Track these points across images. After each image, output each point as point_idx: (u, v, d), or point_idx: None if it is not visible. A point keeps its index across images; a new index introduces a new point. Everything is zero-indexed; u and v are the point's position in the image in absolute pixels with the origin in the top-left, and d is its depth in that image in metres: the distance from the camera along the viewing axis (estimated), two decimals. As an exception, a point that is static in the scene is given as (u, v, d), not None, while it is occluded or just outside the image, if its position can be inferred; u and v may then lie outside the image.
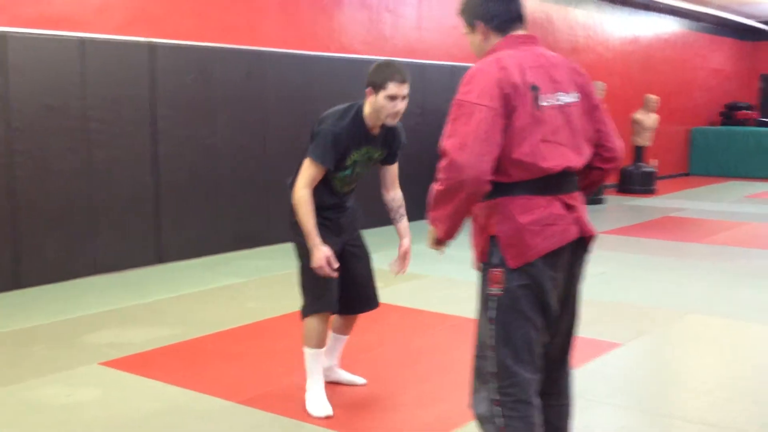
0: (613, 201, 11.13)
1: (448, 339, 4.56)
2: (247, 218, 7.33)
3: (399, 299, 5.40)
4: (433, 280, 5.97)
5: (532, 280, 2.31)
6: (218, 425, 3.34)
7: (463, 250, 7.79)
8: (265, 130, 7.41)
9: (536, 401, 2.36)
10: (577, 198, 2.42)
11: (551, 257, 2.31)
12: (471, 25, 2.48)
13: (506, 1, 2.44)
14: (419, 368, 4.03)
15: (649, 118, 12.24)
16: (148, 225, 6.54)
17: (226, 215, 7.13)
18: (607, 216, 9.83)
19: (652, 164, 12.62)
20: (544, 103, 2.32)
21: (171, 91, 6.61)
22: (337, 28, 8.36)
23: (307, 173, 3.34)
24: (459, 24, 2.56)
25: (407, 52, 9.10)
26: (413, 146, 8.97)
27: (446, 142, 2.28)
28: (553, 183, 2.34)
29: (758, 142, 14.84)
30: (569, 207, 2.36)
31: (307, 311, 3.41)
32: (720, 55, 16.44)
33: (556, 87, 2.37)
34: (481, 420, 2.38)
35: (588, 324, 3.73)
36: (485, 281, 2.37)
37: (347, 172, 3.42)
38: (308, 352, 3.44)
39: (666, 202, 11.15)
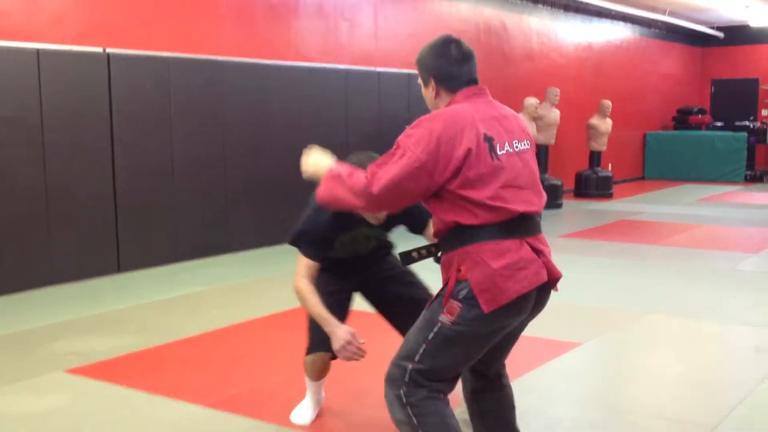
0: (571, 205, 11.31)
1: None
2: (207, 227, 7.31)
3: (364, 305, 5.43)
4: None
5: (491, 325, 2.37)
6: (187, 429, 3.33)
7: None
8: (223, 138, 7.40)
9: (447, 394, 2.48)
10: (543, 240, 2.50)
11: (520, 301, 2.37)
12: (425, 81, 2.55)
13: (460, 64, 2.50)
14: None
15: (604, 123, 12.46)
16: (107, 234, 6.49)
17: (186, 224, 7.11)
18: (565, 220, 9.99)
19: (608, 168, 12.84)
20: (501, 152, 2.41)
21: (128, 101, 6.58)
22: (294, 36, 8.39)
23: (302, 264, 3.11)
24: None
25: (364, 60, 9.17)
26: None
27: (376, 169, 2.38)
28: (520, 226, 2.41)
29: (710, 145, 15.17)
30: (537, 251, 2.42)
31: (307, 351, 3.36)
32: (672, 60, 16.80)
33: (511, 136, 2.47)
34: (401, 425, 2.44)
35: (546, 325, 3.82)
36: (440, 306, 2.41)
37: (343, 254, 3.28)
38: (307, 380, 3.46)
39: (622, 205, 11.35)
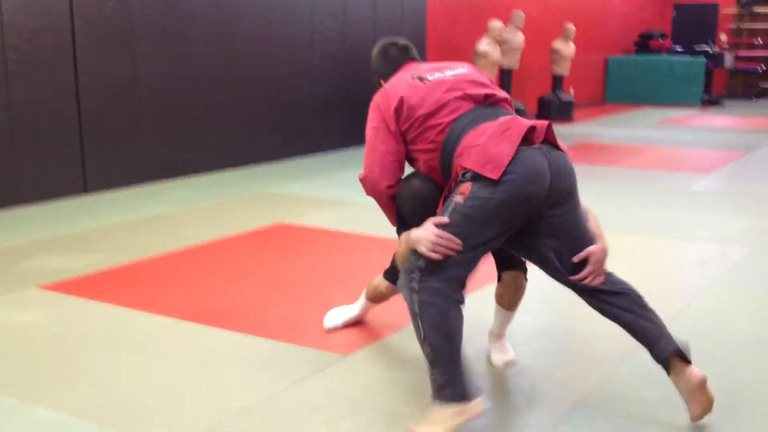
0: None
1: (378, 258, 4.76)
2: (174, 148, 7.34)
3: (331, 223, 5.58)
4: (358, 205, 6.16)
5: (506, 193, 2.42)
6: (161, 339, 3.48)
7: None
8: (188, 58, 7.36)
9: (460, 291, 2.50)
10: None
11: (525, 161, 2.45)
12: (378, 82, 3.06)
13: (396, 59, 3.02)
14: (351, 287, 4.23)
15: (567, 48, 12.53)
16: (73, 155, 6.49)
17: (153, 145, 7.12)
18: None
19: (569, 92, 12.98)
20: (432, 77, 2.79)
21: (91, 20, 6.49)
22: (259, -45, 8.27)
23: None
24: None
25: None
26: (335, 75, 9.05)
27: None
28: (488, 112, 2.67)
29: (670, 70, 15.36)
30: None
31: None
32: (635, -16, 16.80)
33: (442, 68, 2.85)
34: (409, 310, 2.50)
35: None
36: (451, 195, 2.53)
37: None
38: (363, 298, 3.61)
39: (583, 129, 11.54)
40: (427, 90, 2.74)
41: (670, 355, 2.56)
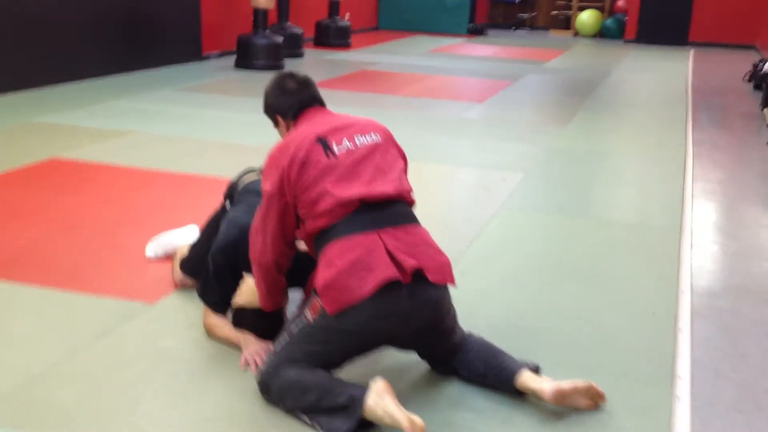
0: (312, 54, 11.40)
1: (169, 196, 4.57)
2: None
3: (112, 157, 5.24)
4: (143, 136, 5.84)
5: (348, 327, 2.32)
6: (-66, 299, 3.13)
7: (159, 104, 7.62)
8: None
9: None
10: (411, 231, 2.42)
11: (375, 304, 2.28)
12: (274, 120, 2.74)
13: (297, 93, 2.67)
14: (142, 228, 4.02)
15: (342, -28, 12.48)
16: None
17: None
18: (308, 69, 10.01)
19: (345, 18, 13.01)
20: (339, 148, 2.46)
21: None
22: None
23: None
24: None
25: None
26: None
27: (255, 237, 2.53)
28: (371, 217, 2.37)
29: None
30: (395, 245, 2.34)
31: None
32: None
33: (351, 132, 2.52)
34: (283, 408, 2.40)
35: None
36: (305, 304, 2.46)
37: None
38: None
39: (360, 55, 11.65)
40: (327, 167, 2.41)
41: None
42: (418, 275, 2.34)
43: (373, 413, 2.24)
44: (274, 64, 9.56)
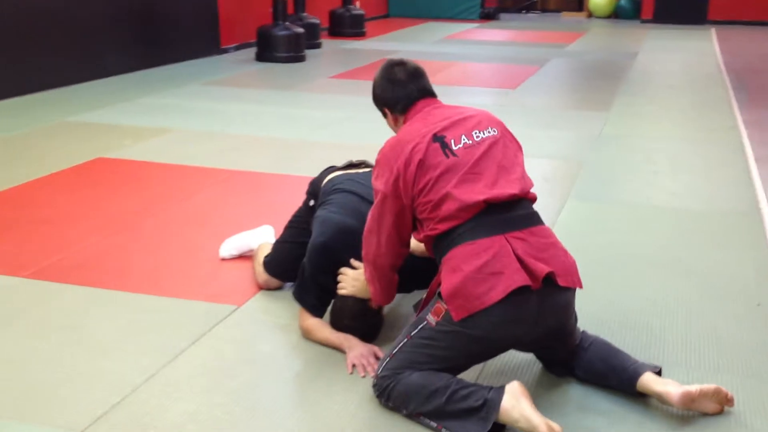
0: (329, 45, 11.25)
1: (225, 193, 4.47)
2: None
3: (157, 155, 5.14)
4: (181, 133, 5.73)
5: (475, 333, 2.23)
6: (8, 304, 3.02)
7: (187, 100, 7.48)
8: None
9: None
10: (538, 233, 2.31)
11: (504, 309, 2.19)
12: (382, 112, 2.61)
13: (406, 84, 2.51)
14: (206, 227, 3.93)
15: (355, -40, 12.33)
16: None
17: None
18: (329, 60, 9.96)
19: (356, 5, 12.86)
20: (457, 146, 2.34)
21: None
22: None
23: None
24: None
25: None
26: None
27: (369, 236, 2.47)
28: (497, 219, 2.26)
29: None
30: (522, 247, 2.24)
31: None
32: None
33: (468, 126, 2.40)
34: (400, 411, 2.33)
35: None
36: (428, 308, 2.33)
37: None
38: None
39: (377, 44, 11.51)
40: (448, 168, 2.30)
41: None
42: (547, 279, 2.24)
43: (508, 416, 2.15)
44: (295, 55, 9.44)
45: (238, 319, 2.94)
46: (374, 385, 2.37)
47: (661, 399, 2.33)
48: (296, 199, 3.17)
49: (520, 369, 2.59)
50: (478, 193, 2.28)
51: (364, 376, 2.53)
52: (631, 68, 9.28)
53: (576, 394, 2.45)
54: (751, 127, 6.14)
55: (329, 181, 3.00)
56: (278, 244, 3.14)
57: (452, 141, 2.36)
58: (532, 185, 2.44)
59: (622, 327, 2.88)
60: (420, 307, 2.43)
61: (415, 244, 2.68)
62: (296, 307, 2.90)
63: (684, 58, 10.16)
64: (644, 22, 15.20)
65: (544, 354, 2.52)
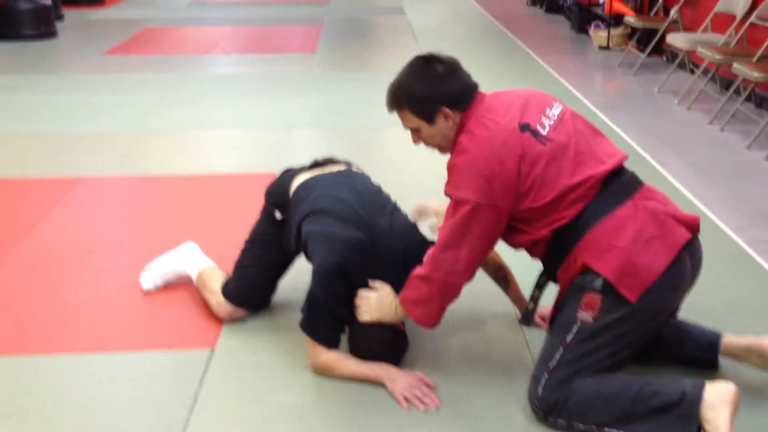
0: (70, 17, 9.74)
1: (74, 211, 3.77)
2: None
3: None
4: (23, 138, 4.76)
5: (648, 311, 2.06)
6: None
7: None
8: None
9: None
10: (653, 190, 2.18)
11: (671, 274, 2.04)
12: (429, 116, 2.18)
13: (455, 76, 2.20)
14: (118, 255, 3.28)
15: None
16: None
17: None
18: (83, 35, 8.77)
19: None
20: (545, 131, 2.13)
21: None
22: None
23: None
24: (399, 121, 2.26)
25: None
26: None
27: (446, 253, 2.15)
28: (620, 187, 2.11)
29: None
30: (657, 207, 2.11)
31: None
32: None
33: (541, 109, 2.18)
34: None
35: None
36: (573, 307, 2.09)
37: None
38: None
39: (125, 12, 10.27)
40: (550, 156, 2.09)
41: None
42: None
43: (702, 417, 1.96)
44: (46, 31, 8.28)
45: (224, 364, 2.45)
46: (537, 408, 2.11)
47: (750, 352, 2.24)
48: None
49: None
50: (590, 168, 2.10)
51: (425, 410, 2.21)
52: (412, 23, 9.25)
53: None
54: (563, 74, 6.36)
55: (302, 186, 2.57)
56: (241, 270, 2.67)
57: (538, 126, 2.14)
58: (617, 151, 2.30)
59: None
60: (552, 310, 2.20)
61: None
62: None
63: (449, 9, 10.37)
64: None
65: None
